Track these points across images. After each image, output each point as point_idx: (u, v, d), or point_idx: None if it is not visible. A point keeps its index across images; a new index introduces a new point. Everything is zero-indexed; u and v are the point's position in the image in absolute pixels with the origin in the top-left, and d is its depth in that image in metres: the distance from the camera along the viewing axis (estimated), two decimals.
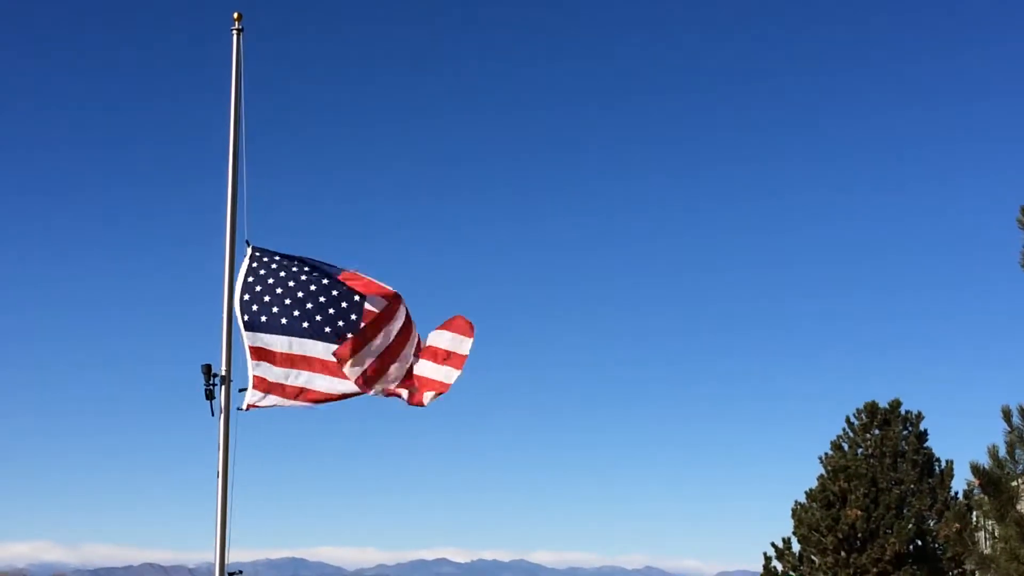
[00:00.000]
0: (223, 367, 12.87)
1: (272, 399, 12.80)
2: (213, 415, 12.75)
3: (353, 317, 12.95)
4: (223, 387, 12.81)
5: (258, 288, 12.94)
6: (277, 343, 12.80)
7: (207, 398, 12.70)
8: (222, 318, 12.96)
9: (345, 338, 12.80)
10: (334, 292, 13.04)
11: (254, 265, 13.06)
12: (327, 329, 12.88)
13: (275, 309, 12.86)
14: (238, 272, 13.03)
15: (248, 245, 13.20)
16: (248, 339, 12.79)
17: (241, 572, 13.02)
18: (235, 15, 13.48)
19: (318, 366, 12.83)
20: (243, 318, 12.81)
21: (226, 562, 12.78)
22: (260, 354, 12.77)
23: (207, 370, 12.71)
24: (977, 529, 20.44)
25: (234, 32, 13.51)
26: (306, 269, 13.17)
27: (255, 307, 12.85)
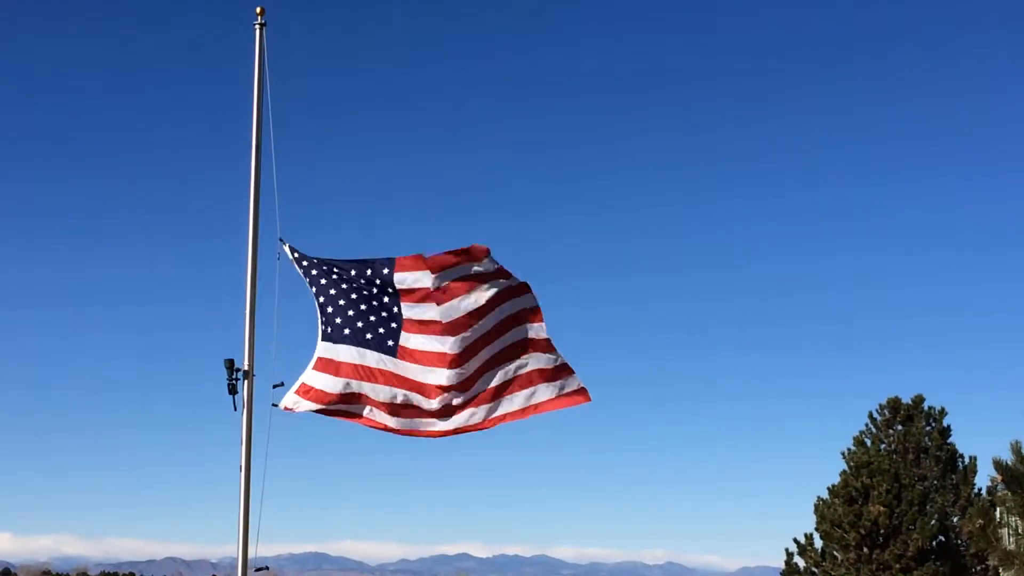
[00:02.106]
0: (246, 361, 12.90)
1: (309, 404, 12.87)
2: (236, 410, 12.79)
3: (394, 326, 13.05)
4: (246, 382, 12.84)
5: (329, 294, 13.10)
6: (344, 354, 13.00)
7: (230, 392, 12.73)
8: (245, 313, 13.00)
9: (386, 347, 12.94)
10: (372, 300, 13.14)
11: (309, 269, 13.18)
12: (368, 336, 12.99)
13: (339, 319, 13.04)
14: (299, 273, 13.16)
15: (283, 243, 13.22)
16: (321, 350, 13.00)
17: (267, 567, 13.06)
18: (258, 10, 13.52)
19: (372, 375, 12.97)
20: (324, 329, 13.00)
21: (249, 556, 12.81)
22: (325, 365, 12.95)
23: (230, 364, 12.74)
24: (1001, 525, 20.41)
25: (257, 27, 13.55)
26: (340, 273, 13.22)
27: (338, 318, 13.03)
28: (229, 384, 12.72)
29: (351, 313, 13.07)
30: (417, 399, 12.92)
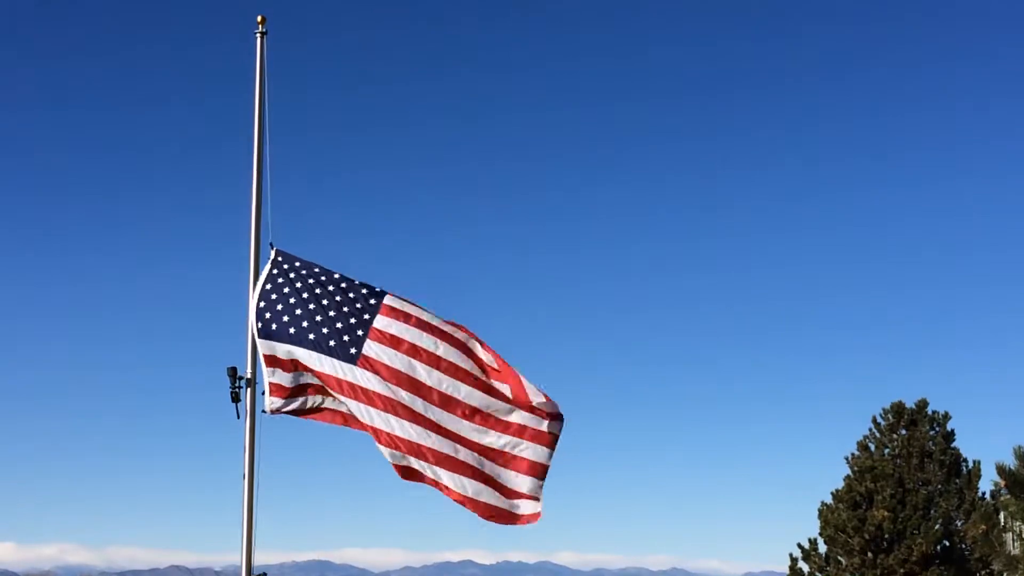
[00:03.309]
0: (248, 369, 12.88)
1: (295, 403, 12.73)
2: (239, 418, 12.77)
3: (360, 333, 12.81)
4: (248, 389, 12.82)
5: (273, 296, 12.87)
6: (282, 350, 12.67)
7: (232, 400, 12.72)
8: (247, 320, 12.98)
9: (349, 355, 12.57)
10: (345, 308, 12.90)
11: (274, 272, 12.98)
12: (331, 343, 12.65)
13: (285, 318, 12.81)
14: (261, 275, 13.01)
15: (272, 247, 13.20)
16: (261, 347, 12.73)
17: (265, 574, 13.02)
18: (259, 18, 13.52)
19: (327, 382, 12.68)
20: (257, 325, 12.74)
21: (252, 564, 12.79)
22: (272, 361, 12.70)
23: (232, 372, 12.72)
24: (1005, 530, 20.36)
25: (258, 35, 13.55)
26: (323, 279, 13.00)
27: (268, 315, 12.78)
28: (232, 392, 12.71)
29: (316, 318, 12.85)
30: (366, 412, 12.50)
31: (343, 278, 13.08)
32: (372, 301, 12.92)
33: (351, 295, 12.94)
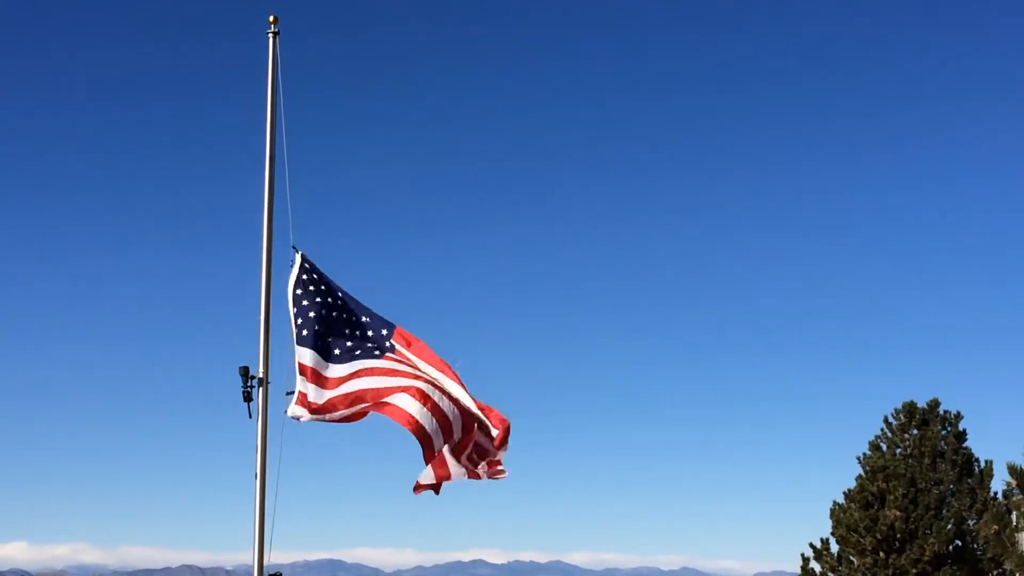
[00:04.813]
0: (261, 369, 12.92)
1: (311, 416, 12.82)
2: (251, 417, 12.82)
3: (384, 333, 13.12)
4: (261, 389, 12.87)
5: (305, 303, 12.98)
6: (310, 358, 12.84)
7: (245, 400, 12.77)
8: (260, 320, 13.02)
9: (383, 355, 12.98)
10: (365, 319, 13.23)
11: (303, 278, 13.09)
12: (357, 352, 12.96)
13: (317, 327, 12.93)
14: (289, 279, 13.10)
15: (296, 251, 13.22)
16: (298, 354, 12.87)
17: (280, 574, 13.06)
18: (271, 18, 13.57)
19: (364, 374, 12.90)
20: (294, 332, 12.92)
21: (264, 563, 12.83)
22: (304, 370, 12.84)
23: (245, 372, 12.77)
24: (1017, 530, 20.37)
25: (270, 35, 13.60)
26: (339, 295, 13.22)
27: (300, 321, 12.90)
28: (244, 392, 12.76)
29: (347, 340, 13.03)
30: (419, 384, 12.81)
31: (356, 301, 13.30)
32: (384, 331, 13.22)
33: (365, 318, 13.22)
